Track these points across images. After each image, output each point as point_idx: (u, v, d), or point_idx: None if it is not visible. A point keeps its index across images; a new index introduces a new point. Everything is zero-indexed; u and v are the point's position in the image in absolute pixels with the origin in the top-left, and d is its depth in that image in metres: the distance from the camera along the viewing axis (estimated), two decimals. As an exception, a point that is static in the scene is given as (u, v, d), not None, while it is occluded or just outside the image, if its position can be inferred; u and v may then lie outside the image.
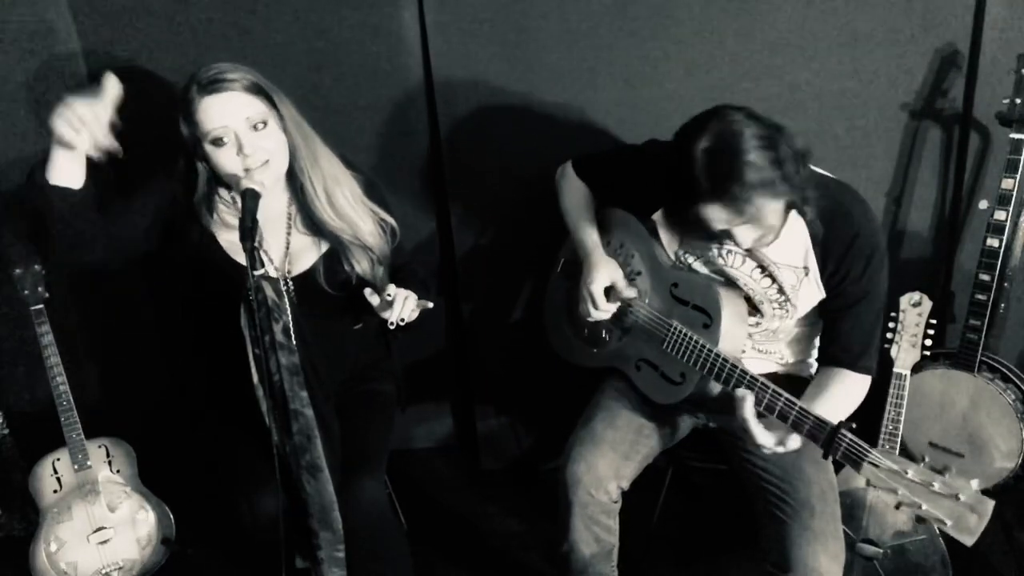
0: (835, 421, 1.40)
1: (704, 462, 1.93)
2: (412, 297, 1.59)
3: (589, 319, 1.76)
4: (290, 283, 1.66)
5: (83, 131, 1.36)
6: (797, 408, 1.43)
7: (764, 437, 1.48)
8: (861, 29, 1.95)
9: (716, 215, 1.39)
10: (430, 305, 1.63)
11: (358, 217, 1.68)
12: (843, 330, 1.58)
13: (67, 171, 1.45)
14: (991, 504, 1.22)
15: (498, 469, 2.55)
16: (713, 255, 1.63)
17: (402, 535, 1.78)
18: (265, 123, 1.55)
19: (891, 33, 1.95)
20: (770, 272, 1.58)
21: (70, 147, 1.39)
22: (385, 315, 1.57)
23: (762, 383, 1.48)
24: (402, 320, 1.58)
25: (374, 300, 1.59)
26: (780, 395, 1.46)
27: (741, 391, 1.49)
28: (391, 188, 2.12)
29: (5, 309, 2.16)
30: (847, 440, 1.36)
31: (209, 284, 1.66)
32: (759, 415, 1.50)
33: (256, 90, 1.55)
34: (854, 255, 1.52)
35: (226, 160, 1.54)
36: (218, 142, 1.53)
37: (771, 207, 1.38)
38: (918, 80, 1.99)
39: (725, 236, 1.46)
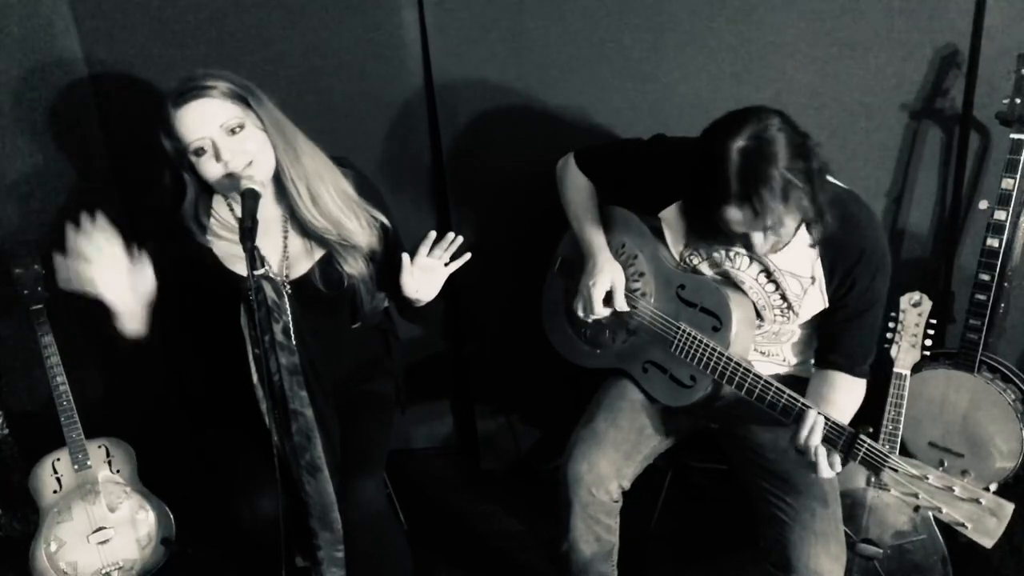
0: (849, 426, 1.40)
1: (704, 462, 1.93)
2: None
3: (584, 319, 1.76)
4: (288, 287, 1.66)
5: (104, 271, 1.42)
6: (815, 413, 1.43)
7: (827, 469, 1.43)
8: (861, 29, 1.95)
9: (738, 217, 1.36)
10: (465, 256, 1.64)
11: (343, 215, 1.66)
12: (845, 338, 1.57)
13: (134, 325, 1.52)
14: (1010, 507, 1.26)
15: (498, 469, 2.55)
16: (720, 257, 1.61)
17: (402, 535, 1.78)
18: (242, 126, 1.55)
19: (891, 33, 1.95)
20: (775, 278, 1.58)
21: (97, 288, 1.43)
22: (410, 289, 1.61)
23: (777, 387, 1.48)
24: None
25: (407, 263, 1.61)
26: (797, 400, 1.46)
27: (813, 415, 1.43)
28: (391, 188, 2.12)
29: (5, 309, 2.16)
30: (866, 446, 1.36)
31: (206, 290, 1.66)
32: (777, 421, 1.49)
33: (230, 94, 1.54)
34: (861, 269, 1.51)
35: (209, 168, 1.54)
36: (199, 152, 1.53)
37: (791, 219, 1.37)
38: (918, 80, 1.99)
39: (742, 240, 1.43)
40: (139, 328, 1.53)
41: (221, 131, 1.52)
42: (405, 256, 1.60)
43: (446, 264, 1.63)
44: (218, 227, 1.66)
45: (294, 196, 1.62)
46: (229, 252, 1.65)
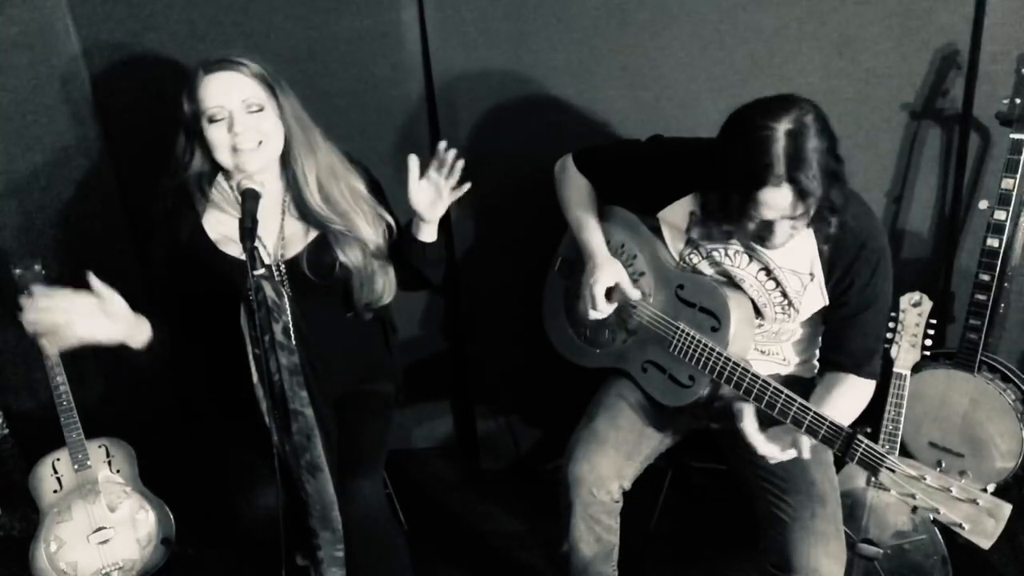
0: (847, 427, 1.40)
1: (704, 462, 1.93)
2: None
3: (588, 319, 1.76)
4: (282, 267, 1.68)
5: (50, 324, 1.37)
6: (812, 413, 1.43)
7: (767, 448, 1.47)
8: (861, 29, 1.95)
9: (777, 201, 1.35)
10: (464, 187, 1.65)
11: (353, 211, 1.70)
12: (848, 338, 1.57)
13: (138, 335, 1.52)
14: (1008, 508, 1.25)
15: (498, 469, 2.55)
16: (719, 255, 1.62)
17: (401, 535, 1.78)
18: (261, 108, 1.59)
19: (891, 33, 1.95)
20: (775, 276, 1.58)
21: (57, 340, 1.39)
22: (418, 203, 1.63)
23: (775, 387, 1.48)
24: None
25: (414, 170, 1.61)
26: (794, 400, 1.45)
27: (738, 405, 1.48)
28: (391, 187, 2.12)
29: (5, 309, 2.16)
30: (864, 446, 1.36)
31: (203, 280, 1.66)
32: (773, 420, 1.49)
33: (259, 77, 1.60)
34: (860, 265, 1.51)
35: (218, 136, 1.57)
36: (213, 119, 1.57)
37: (813, 208, 1.38)
38: (918, 80, 1.99)
39: (763, 230, 1.43)
40: (141, 335, 1.53)
41: (241, 106, 1.57)
42: (413, 159, 1.60)
43: (452, 189, 1.64)
44: (221, 200, 1.67)
45: (303, 184, 1.66)
46: (224, 234, 1.67)
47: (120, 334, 1.47)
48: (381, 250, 1.76)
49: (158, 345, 1.56)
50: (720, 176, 1.44)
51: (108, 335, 1.44)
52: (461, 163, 1.62)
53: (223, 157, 1.59)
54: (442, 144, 1.62)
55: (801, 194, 1.33)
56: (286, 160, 1.67)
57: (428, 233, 1.71)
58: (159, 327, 1.56)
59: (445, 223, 2.23)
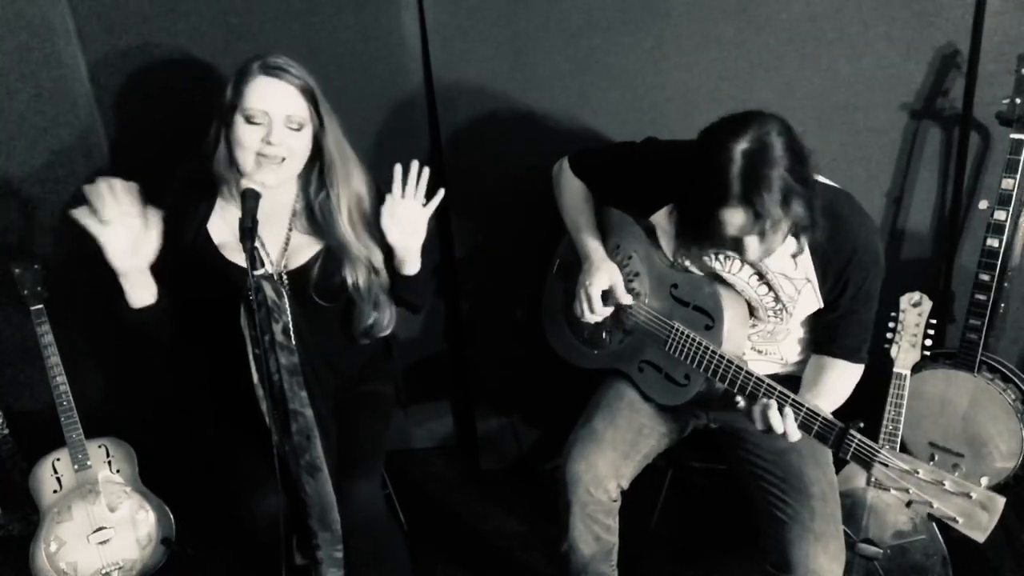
0: (833, 416, 1.40)
1: (704, 462, 1.93)
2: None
3: (584, 320, 1.76)
4: (285, 278, 1.67)
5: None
6: (805, 409, 1.44)
7: (794, 428, 1.45)
8: (861, 29, 1.95)
9: (736, 220, 1.35)
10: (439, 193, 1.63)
11: (375, 240, 1.70)
12: (840, 330, 1.58)
13: (141, 292, 1.53)
14: (1002, 501, 1.24)
15: (498, 469, 2.55)
16: (710, 260, 1.62)
17: (400, 535, 1.78)
18: (301, 127, 1.58)
19: (891, 33, 1.95)
20: (768, 280, 1.58)
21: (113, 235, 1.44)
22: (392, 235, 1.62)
23: (768, 384, 1.48)
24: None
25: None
26: (787, 396, 1.46)
27: (761, 403, 1.47)
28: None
29: (5, 309, 2.16)
30: (856, 441, 1.37)
31: (204, 283, 1.66)
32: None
33: (309, 97, 1.59)
34: (853, 269, 1.51)
35: (248, 137, 1.55)
36: (251, 119, 1.55)
37: (785, 224, 1.37)
38: (918, 80, 1.99)
39: (734, 245, 1.43)
40: (144, 296, 1.54)
41: (284, 119, 1.56)
42: (388, 197, 1.61)
43: (424, 205, 1.63)
44: (233, 201, 1.67)
45: (335, 210, 1.66)
46: (230, 236, 1.66)
47: (129, 267, 1.47)
48: (387, 281, 1.75)
49: (154, 312, 1.57)
50: (687, 192, 1.46)
51: (121, 259, 1.46)
52: (427, 172, 1.61)
53: (244, 157, 1.57)
54: (398, 167, 1.59)
55: (757, 215, 1.33)
56: (311, 177, 1.67)
57: (411, 266, 1.69)
58: (162, 297, 1.57)
59: (445, 224, 2.25)
